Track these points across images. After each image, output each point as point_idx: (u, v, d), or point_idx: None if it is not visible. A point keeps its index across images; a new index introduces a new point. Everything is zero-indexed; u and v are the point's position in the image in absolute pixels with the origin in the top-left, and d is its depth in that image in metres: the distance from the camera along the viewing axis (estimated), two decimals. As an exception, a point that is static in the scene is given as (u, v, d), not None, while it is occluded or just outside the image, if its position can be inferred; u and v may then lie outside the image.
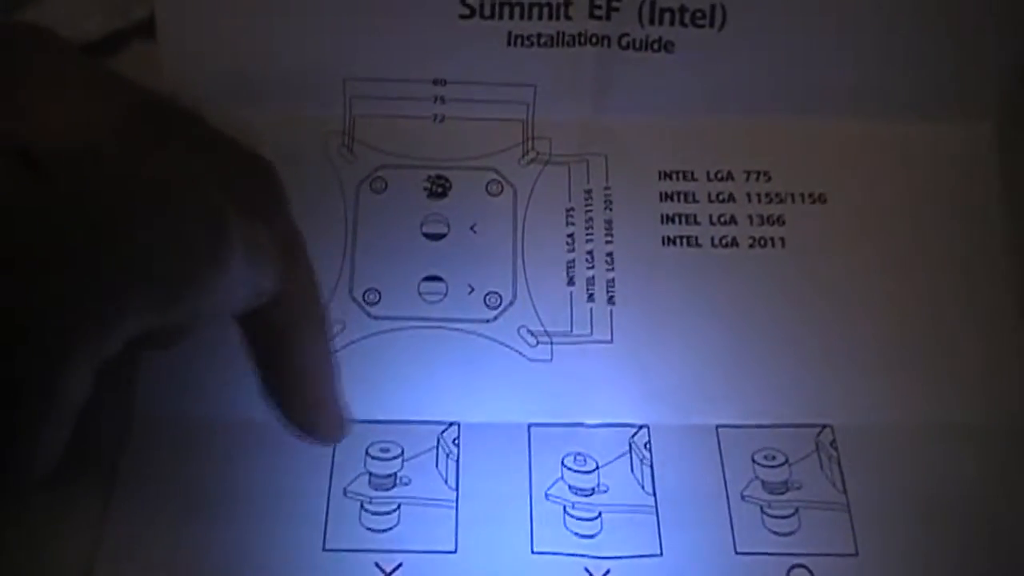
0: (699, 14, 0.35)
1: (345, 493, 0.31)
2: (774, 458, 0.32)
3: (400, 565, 0.30)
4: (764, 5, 0.35)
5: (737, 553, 0.30)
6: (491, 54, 0.36)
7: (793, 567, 0.30)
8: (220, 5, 0.35)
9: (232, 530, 0.30)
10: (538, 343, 0.34)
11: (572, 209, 0.36)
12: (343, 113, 0.36)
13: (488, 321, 0.34)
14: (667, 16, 0.35)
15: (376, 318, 0.34)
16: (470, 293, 0.34)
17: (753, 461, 0.32)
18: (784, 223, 0.36)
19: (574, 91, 0.36)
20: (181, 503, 0.31)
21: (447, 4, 0.35)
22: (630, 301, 0.34)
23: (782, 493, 0.32)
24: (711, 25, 0.35)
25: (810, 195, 0.36)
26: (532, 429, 0.32)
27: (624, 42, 0.35)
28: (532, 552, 0.30)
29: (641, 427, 0.33)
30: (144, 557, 0.30)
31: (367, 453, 0.32)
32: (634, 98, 0.37)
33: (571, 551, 0.30)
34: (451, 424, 0.32)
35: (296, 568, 0.30)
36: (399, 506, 0.31)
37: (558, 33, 0.35)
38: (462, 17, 0.35)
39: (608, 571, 0.30)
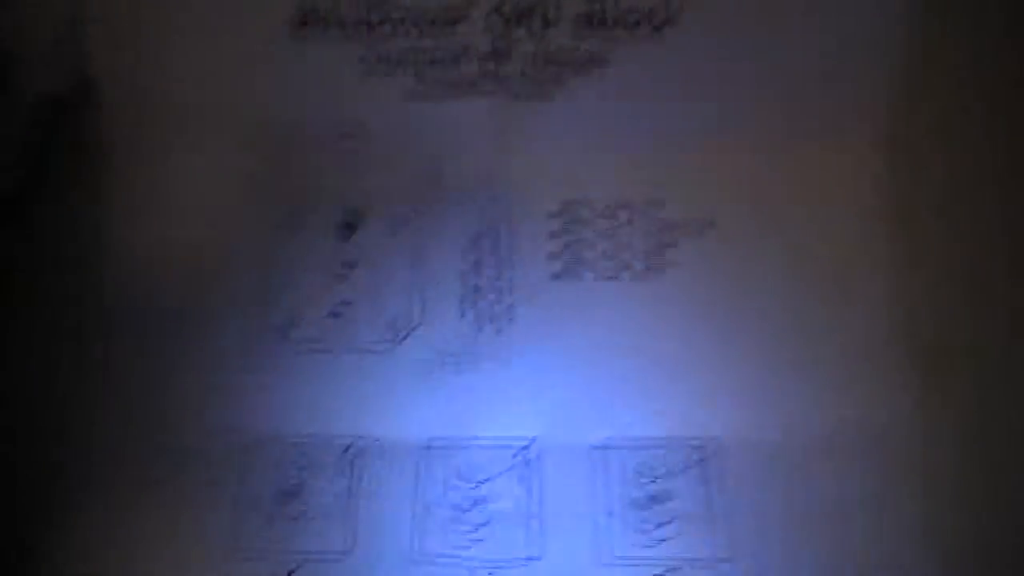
0: (581, 63, 0.38)
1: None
2: (652, 470, 0.34)
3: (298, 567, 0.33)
4: (644, 55, 0.38)
5: (614, 558, 0.33)
6: (393, 106, 0.39)
7: (665, 572, 0.33)
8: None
9: None
10: (440, 364, 0.37)
11: (473, 243, 0.39)
12: (258, 155, 0.40)
13: (393, 343, 0.37)
14: (554, 60, 0.38)
15: (291, 344, 0.37)
16: (377, 319, 0.37)
17: (633, 473, 0.34)
18: (672, 251, 0.38)
19: (471, 137, 0.40)
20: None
21: (354, 64, 0.38)
22: (524, 327, 0.37)
23: (660, 504, 0.34)
24: (601, 68, 0.38)
25: (698, 223, 0.39)
26: (430, 448, 0.35)
27: (512, 92, 0.39)
28: (414, 560, 0.33)
29: (530, 442, 0.35)
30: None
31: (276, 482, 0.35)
32: (529, 141, 0.40)
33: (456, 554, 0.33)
34: (351, 444, 0.35)
35: None
36: (298, 514, 0.34)
37: (453, 83, 0.39)
38: (364, 74, 0.38)
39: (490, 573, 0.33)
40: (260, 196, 0.39)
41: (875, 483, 0.34)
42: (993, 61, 0.37)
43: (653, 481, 0.34)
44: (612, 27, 0.37)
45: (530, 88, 0.39)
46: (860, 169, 0.39)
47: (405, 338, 0.37)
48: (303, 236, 0.39)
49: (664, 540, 0.33)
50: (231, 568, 0.33)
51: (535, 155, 0.39)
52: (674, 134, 0.39)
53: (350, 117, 0.39)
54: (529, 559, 0.33)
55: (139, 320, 0.37)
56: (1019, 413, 0.34)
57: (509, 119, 0.39)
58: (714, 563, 0.32)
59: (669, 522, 0.33)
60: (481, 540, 0.33)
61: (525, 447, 0.35)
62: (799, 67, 0.38)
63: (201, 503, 0.34)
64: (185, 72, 0.39)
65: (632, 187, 0.39)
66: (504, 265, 0.38)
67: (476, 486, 0.34)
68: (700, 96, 0.39)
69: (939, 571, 0.32)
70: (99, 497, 0.34)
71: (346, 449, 0.35)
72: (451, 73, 0.38)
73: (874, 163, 0.39)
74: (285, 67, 0.38)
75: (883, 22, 0.37)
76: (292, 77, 0.39)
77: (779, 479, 0.34)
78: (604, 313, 0.37)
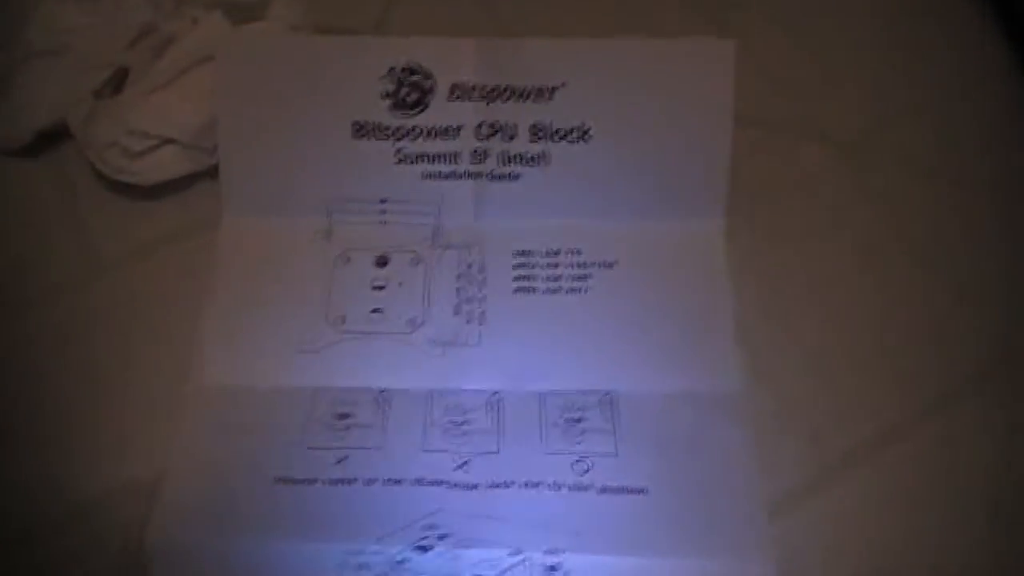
0: (532, 160, 0.60)
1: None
2: (574, 406, 0.55)
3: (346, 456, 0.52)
4: (573, 156, 0.60)
5: (547, 453, 0.53)
6: (413, 185, 0.61)
7: (578, 459, 0.52)
8: (258, 163, 0.61)
9: None
10: (437, 347, 0.57)
11: (461, 273, 0.60)
12: (328, 220, 0.61)
13: (409, 333, 0.57)
14: (516, 158, 0.61)
15: (343, 332, 0.58)
16: (398, 318, 0.58)
17: (561, 408, 0.55)
18: (589, 279, 0.60)
19: (463, 206, 0.62)
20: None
21: (387, 154, 0.61)
22: (493, 323, 0.58)
23: (577, 422, 0.54)
24: (545, 164, 0.61)
25: (605, 263, 0.60)
26: (433, 393, 0.55)
27: (490, 176, 0.61)
28: (423, 450, 0.53)
29: (496, 392, 0.55)
30: None
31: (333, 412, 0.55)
32: (497, 209, 0.62)
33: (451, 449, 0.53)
34: (383, 390, 0.55)
35: None
36: (348, 427, 0.54)
37: (452, 171, 0.61)
38: (396, 164, 0.61)
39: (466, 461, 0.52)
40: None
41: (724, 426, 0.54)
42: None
43: (575, 412, 0.54)
44: (551, 138, 0.61)
45: (500, 175, 0.61)
46: (712, 237, 0.61)
47: (417, 330, 0.58)
48: (352, 266, 0.60)
49: (580, 443, 0.53)
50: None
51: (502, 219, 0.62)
52: (589, 207, 0.61)
53: (387, 188, 0.62)
54: (493, 452, 0.53)
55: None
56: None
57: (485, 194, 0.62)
58: (607, 457, 0.53)
59: (582, 433, 0.53)
60: (463, 442, 0.53)
61: (493, 394, 0.55)
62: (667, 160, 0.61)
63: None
64: None
65: (564, 240, 0.61)
66: (482, 284, 0.59)
67: (460, 421, 0.54)
68: (609, 182, 0.61)
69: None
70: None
71: (380, 394, 0.55)
72: (451, 164, 0.61)
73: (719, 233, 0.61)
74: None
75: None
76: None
77: (651, 416, 0.54)
78: (546, 312, 0.59)
